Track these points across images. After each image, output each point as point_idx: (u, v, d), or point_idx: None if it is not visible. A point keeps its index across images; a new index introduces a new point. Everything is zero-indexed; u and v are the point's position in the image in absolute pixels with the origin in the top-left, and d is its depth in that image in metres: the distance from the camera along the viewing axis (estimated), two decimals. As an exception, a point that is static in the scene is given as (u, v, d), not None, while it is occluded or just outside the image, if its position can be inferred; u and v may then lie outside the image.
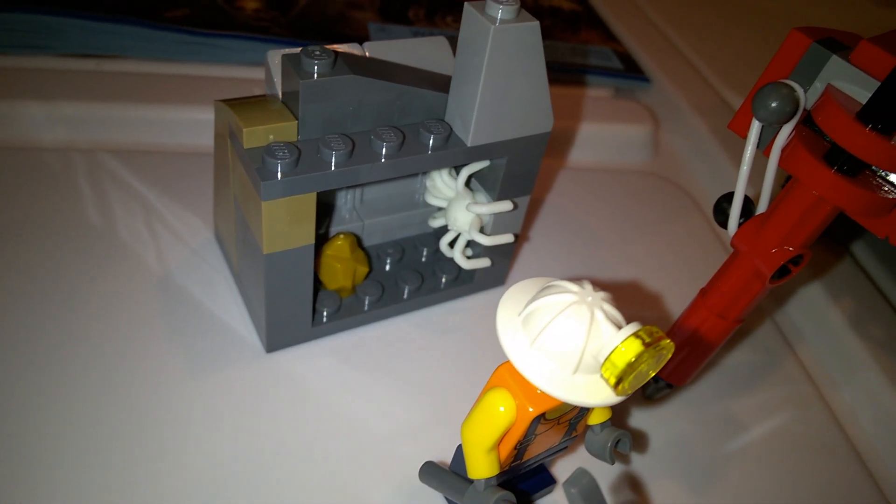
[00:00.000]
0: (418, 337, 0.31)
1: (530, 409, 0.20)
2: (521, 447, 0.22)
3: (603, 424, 0.24)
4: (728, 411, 0.31)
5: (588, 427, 0.24)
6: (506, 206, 0.30)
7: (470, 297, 0.34)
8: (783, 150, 0.24)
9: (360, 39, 0.49)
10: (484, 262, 0.32)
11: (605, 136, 0.46)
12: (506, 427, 0.21)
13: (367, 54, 0.28)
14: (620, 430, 0.24)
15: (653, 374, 0.19)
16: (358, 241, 0.32)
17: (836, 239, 0.41)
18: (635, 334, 0.18)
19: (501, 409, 0.21)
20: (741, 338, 0.35)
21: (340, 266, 0.30)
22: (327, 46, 0.26)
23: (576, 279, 0.20)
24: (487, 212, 0.29)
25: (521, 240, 0.37)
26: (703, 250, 0.40)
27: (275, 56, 0.26)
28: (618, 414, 0.30)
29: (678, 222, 0.42)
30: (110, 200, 0.34)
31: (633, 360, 0.18)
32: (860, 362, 0.35)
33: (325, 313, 0.30)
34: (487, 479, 0.21)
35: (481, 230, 0.31)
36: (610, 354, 0.18)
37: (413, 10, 0.54)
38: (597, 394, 0.19)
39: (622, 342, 0.18)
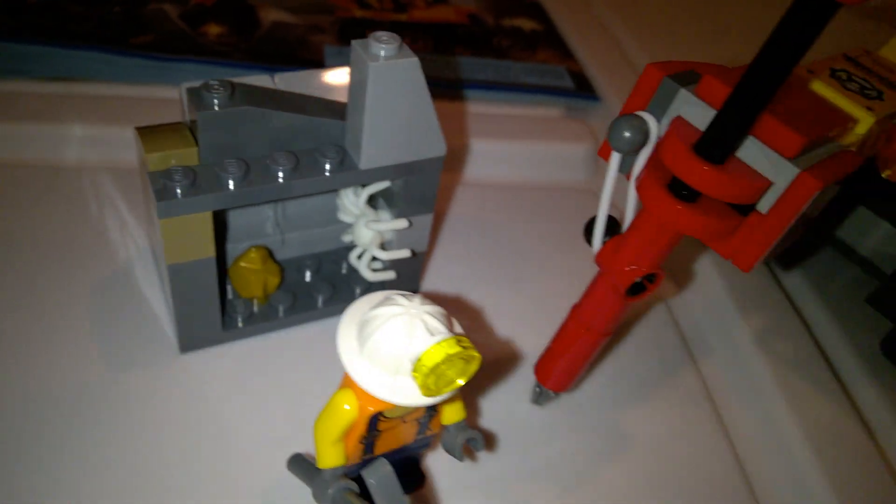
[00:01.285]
0: (328, 343, 0.34)
1: (370, 409, 0.23)
2: (366, 442, 0.24)
3: (457, 425, 0.26)
4: (616, 420, 0.33)
5: (443, 427, 0.26)
6: (401, 223, 0.32)
7: (384, 307, 0.36)
8: (637, 177, 0.26)
9: (316, 63, 0.52)
10: (388, 275, 0.34)
11: (545, 155, 0.48)
12: (348, 423, 0.23)
13: (275, 85, 0.31)
14: (473, 431, 0.26)
15: (461, 381, 0.21)
16: (271, 254, 0.34)
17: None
18: (444, 342, 0.20)
19: (346, 406, 0.23)
20: (646, 348, 0.37)
21: (252, 276, 0.33)
22: (234, 80, 0.29)
23: (413, 294, 0.23)
24: (384, 229, 0.32)
25: (440, 252, 0.40)
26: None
27: (185, 87, 0.29)
28: (507, 415, 0.32)
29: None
30: (63, 211, 0.37)
31: (437, 364, 0.20)
32: (760, 381, 0.36)
33: (239, 318, 0.33)
34: (333, 469, 0.24)
35: (383, 246, 0.33)
36: (419, 358, 0.20)
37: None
38: (413, 395, 0.21)
39: (430, 347, 0.20)
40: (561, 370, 0.30)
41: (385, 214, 0.33)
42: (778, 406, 0.35)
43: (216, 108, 0.28)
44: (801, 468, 0.33)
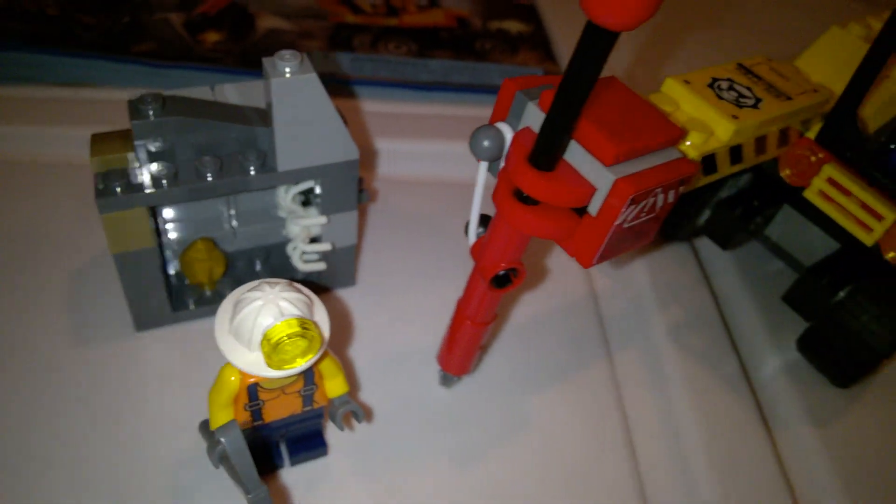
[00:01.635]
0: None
1: (248, 379, 0.27)
2: (252, 409, 0.28)
3: (340, 398, 0.30)
4: (521, 404, 0.36)
5: (329, 400, 0.30)
6: (321, 220, 0.36)
7: (322, 295, 0.40)
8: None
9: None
10: (319, 266, 0.38)
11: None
12: (233, 391, 0.27)
13: (214, 95, 0.35)
14: (354, 404, 0.30)
15: (304, 360, 0.25)
16: (217, 245, 0.39)
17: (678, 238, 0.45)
18: (285, 322, 0.24)
19: (232, 378, 0.27)
20: (566, 338, 0.40)
21: (198, 265, 0.37)
22: (172, 92, 0.34)
23: (281, 281, 0.26)
24: (306, 224, 0.36)
25: (373, 246, 0.43)
26: (549, 259, 0.44)
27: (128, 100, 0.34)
28: (420, 397, 0.36)
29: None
30: (51, 205, 0.43)
31: (277, 340, 0.24)
32: (666, 373, 0.38)
33: (190, 302, 0.38)
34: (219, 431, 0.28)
35: (314, 240, 0.37)
36: (264, 334, 0.24)
37: (358, 38, 0.60)
38: (262, 368, 0.25)
39: (274, 326, 0.24)
40: (454, 356, 0.33)
41: (313, 212, 0.37)
42: (678, 396, 0.37)
43: (151, 118, 0.32)
44: (691, 458, 0.35)
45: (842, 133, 0.34)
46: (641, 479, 0.34)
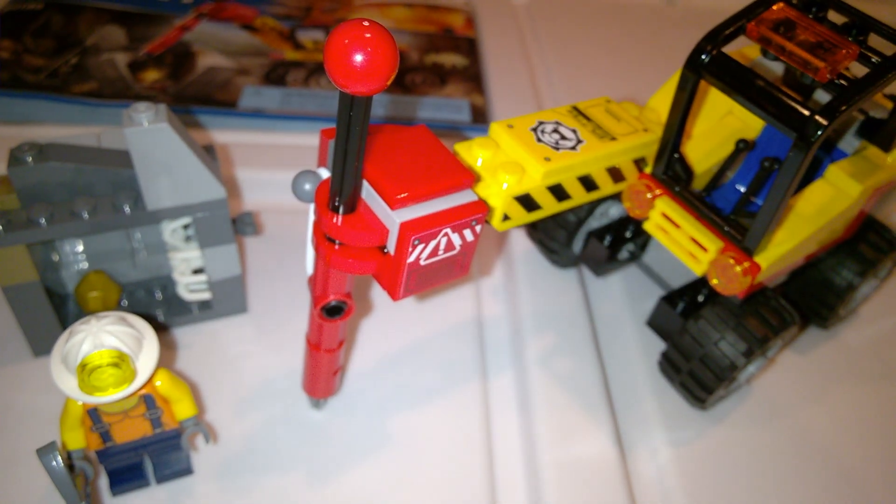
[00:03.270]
0: (164, 351, 0.41)
1: (89, 405, 0.30)
2: (99, 431, 0.31)
3: (187, 420, 0.32)
4: (390, 424, 0.39)
5: (180, 422, 0.33)
6: (193, 253, 0.39)
7: (215, 321, 0.43)
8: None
9: (232, 103, 0.60)
10: (203, 296, 0.41)
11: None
12: (76, 415, 0.30)
13: (100, 142, 0.38)
14: (200, 426, 0.32)
15: (118, 390, 0.28)
16: (112, 275, 0.42)
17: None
18: (97, 353, 0.27)
19: (78, 402, 0.30)
20: (446, 361, 0.42)
21: (90, 296, 0.40)
22: (54, 141, 0.37)
23: (112, 315, 0.29)
24: (180, 258, 0.39)
25: (269, 275, 0.46)
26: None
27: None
28: (296, 419, 0.38)
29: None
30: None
31: (92, 367, 0.27)
32: (530, 396, 0.40)
33: (85, 329, 0.41)
34: (74, 451, 0.31)
35: (199, 271, 0.41)
36: (80, 361, 0.27)
37: (293, 74, 0.63)
38: (79, 393, 0.28)
39: (90, 354, 0.27)
40: (312, 381, 0.36)
41: (194, 245, 0.40)
42: (540, 418, 0.39)
43: (28, 164, 0.35)
44: (544, 478, 0.37)
45: (670, 171, 0.36)
46: (495, 499, 0.36)
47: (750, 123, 0.39)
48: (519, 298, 0.46)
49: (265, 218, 0.50)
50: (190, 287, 0.41)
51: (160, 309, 0.42)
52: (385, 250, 0.29)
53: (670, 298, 0.40)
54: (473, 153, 0.33)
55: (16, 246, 0.36)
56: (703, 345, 0.36)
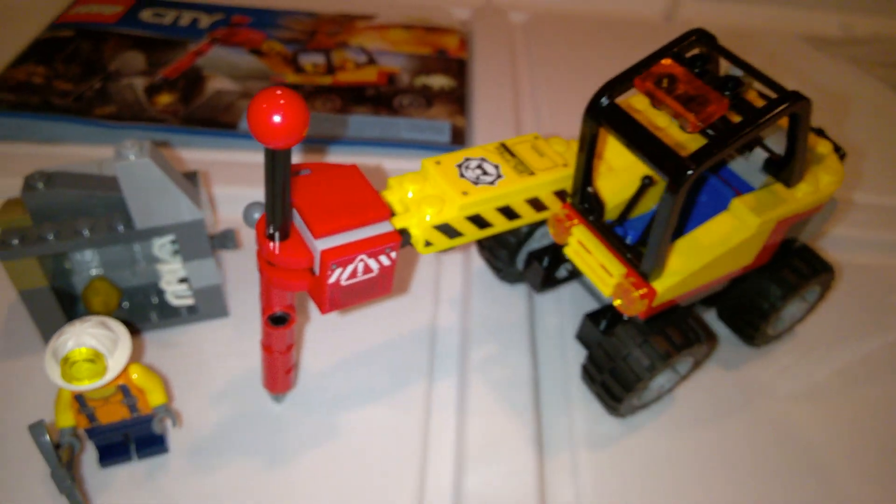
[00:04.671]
0: (152, 347, 0.48)
1: (76, 391, 0.36)
2: (87, 414, 0.37)
3: (158, 407, 0.39)
4: (338, 419, 0.44)
5: (153, 408, 0.39)
6: (175, 266, 0.45)
7: (200, 323, 0.49)
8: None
9: (233, 125, 0.66)
10: (188, 301, 0.47)
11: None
12: (67, 399, 0.36)
13: (101, 170, 0.45)
14: (169, 412, 0.39)
15: (92, 381, 0.34)
16: (113, 280, 0.48)
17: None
18: (75, 350, 0.33)
19: (65, 390, 0.36)
20: (396, 365, 0.47)
21: (94, 299, 0.47)
22: (62, 168, 0.43)
23: (95, 318, 0.36)
24: (167, 269, 0.45)
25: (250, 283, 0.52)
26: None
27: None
28: (257, 411, 0.44)
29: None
30: None
31: (72, 361, 0.33)
32: (468, 399, 0.45)
33: (89, 328, 0.48)
34: (64, 429, 0.37)
35: (182, 280, 0.47)
36: (63, 355, 0.34)
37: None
38: (62, 383, 0.34)
39: (71, 350, 0.33)
40: (268, 378, 0.42)
41: (178, 259, 0.46)
42: (473, 423, 0.44)
43: (40, 189, 0.42)
44: (468, 478, 0.42)
45: (585, 202, 0.40)
46: (422, 495, 0.41)
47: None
48: (471, 309, 0.51)
49: (249, 233, 0.56)
50: (176, 294, 0.47)
51: (154, 312, 0.49)
52: (314, 272, 0.35)
53: (595, 315, 0.44)
54: (404, 186, 0.39)
55: (29, 258, 0.42)
56: (613, 358, 0.41)
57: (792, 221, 0.41)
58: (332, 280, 0.34)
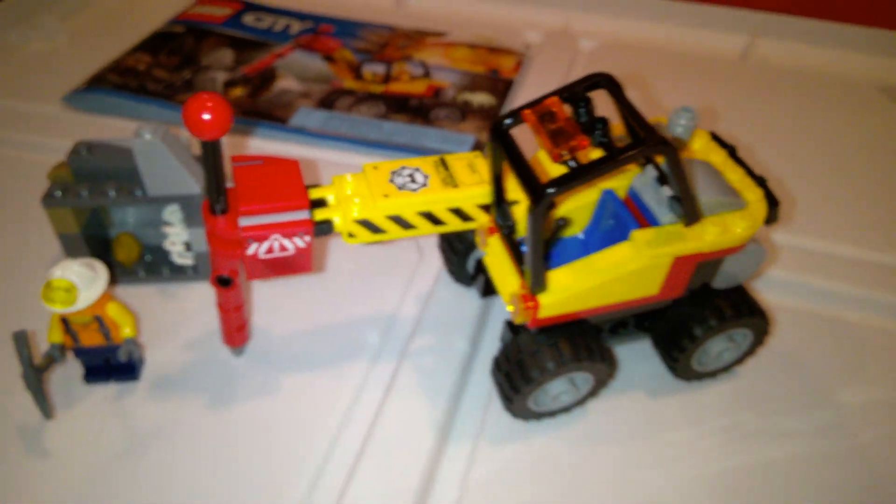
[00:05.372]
0: (159, 296, 0.57)
1: (62, 315, 0.46)
2: (70, 334, 0.47)
3: (127, 340, 0.48)
4: (282, 380, 0.51)
5: (123, 339, 0.48)
6: (178, 230, 0.54)
7: (202, 282, 0.58)
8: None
9: (284, 119, 0.75)
10: (189, 261, 0.57)
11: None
12: (56, 319, 0.46)
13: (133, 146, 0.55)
14: (135, 344, 0.47)
15: (63, 306, 0.43)
16: (137, 237, 0.58)
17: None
18: (57, 279, 0.43)
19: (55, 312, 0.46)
20: (349, 344, 0.54)
21: (119, 249, 0.57)
22: (104, 141, 0.54)
23: (87, 259, 0.45)
24: (170, 233, 0.54)
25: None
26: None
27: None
28: (222, 357, 0.52)
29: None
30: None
31: (47, 287, 0.43)
32: (396, 384, 0.51)
33: (117, 271, 0.58)
34: (52, 344, 0.47)
35: (187, 244, 0.56)
36: (47, 282, 0.43)
37: (342, 101, 0.78)
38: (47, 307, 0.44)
39: (51, 279, 0.43)
40: (224, 332, 0.50)
41: (184, 225, 0.55)
42: (390, 403, 0.50)
43: (83, 155, 0.53)
44: (365, 453, 0.48)
45: (500, 217, 0.45)
46: (326, 460, 0.47)
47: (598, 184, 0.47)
48: (432, 303, 0.56)
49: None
50: (179, 254, 0.57)
51: (166, 267, 0.58)
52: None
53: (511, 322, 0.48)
54: (344, 184, 0.45)
55: (66, 208, 0.53)
56: (510, 360, 0.45)
57: (697, 259, 0.43)
58: (250, 252, 0.41)
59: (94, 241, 0.57)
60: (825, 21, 0.93)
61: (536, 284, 0.41)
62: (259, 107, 0.76)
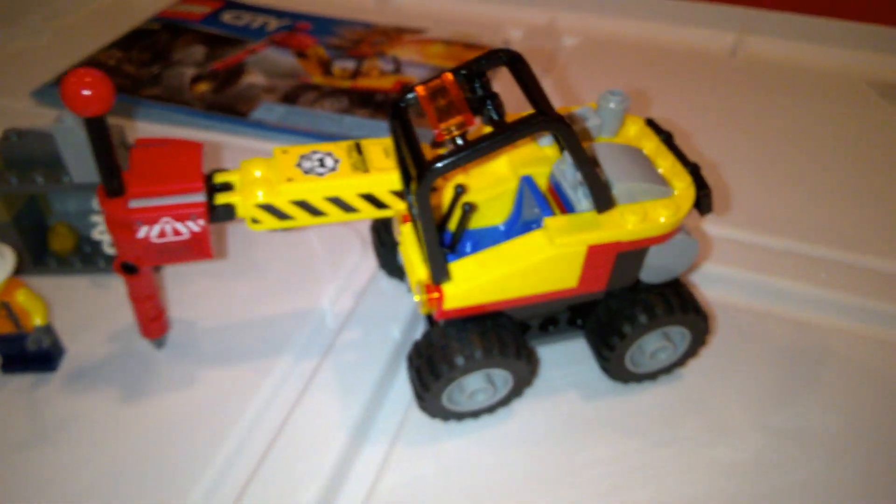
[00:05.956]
0: (90, 286, 0.56)
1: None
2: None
3: (36, 328, 0.46)
4: (196, 375, 0.50)
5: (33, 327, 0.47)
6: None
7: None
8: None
9: (244, 114, 0.74)
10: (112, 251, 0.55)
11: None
12: None
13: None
14: (47, 332, 0.46)
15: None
16: (72, 227, 0.57)
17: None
18: None
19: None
20: (278, 336, 0.52)
21: (54, 238, 0.56)
22: (36, 129, 0.53)
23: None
24: (98, 221, 0.53)
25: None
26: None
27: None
28: (145, 349, 0.51)
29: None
30: None
31: None
32: (317, 379, 0.49)
33: (52, 261, 0.57)
34: None
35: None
36: None
37: (306, 96, 0.77)
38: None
39: None
40: (140, 323, 0.48)
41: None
42: (305, 397, 0.48)
43: (13, 141, 0.52)
44: (277, 444, 0.46)
45: (409, 201, 0.42)
46: (231, 458, 0.45)
47: (516, 171, 0.44)
48: (367, 295, 0.54)
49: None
50: (109, 244, 0.55)
51: (102, 259, 0.57)
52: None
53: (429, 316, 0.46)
54: (252, 168, 0.43)
55: (-6, 195, 0.53)
56: (420, 356, 0.43)
57: (616, 250, 0.40)
58: (140, 235, 0.40)
59: (29, 229, 0.56)
60: (814, 17, 0.89)
61: (436, 273, 0.39)
62: (222, 101, 0.75)
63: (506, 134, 0.34)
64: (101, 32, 0.89)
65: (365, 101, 0.75)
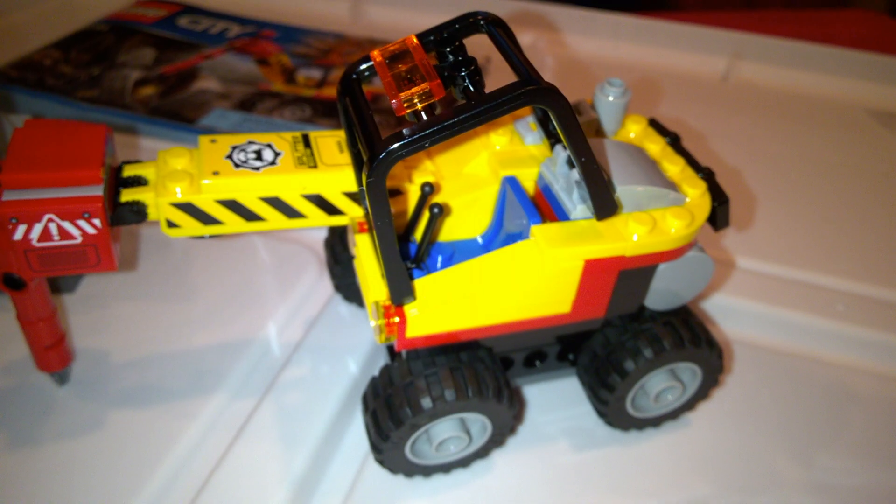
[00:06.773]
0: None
1: None
2: None
3: None
4: (106, 418, 0.41)
5: None
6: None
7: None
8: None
9: (192, 120, 0.66)
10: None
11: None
12: None
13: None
14: None
15: None
16: None
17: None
18: None
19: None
20: (207, 369, 0.43)
21: None
22: None
23: None
24: None
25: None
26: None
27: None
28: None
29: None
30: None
31: None
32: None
33: None
34: None
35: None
36: None
37: (264, 104, 0.69)
38: None
39: None
40: (33, 353, 0.39)
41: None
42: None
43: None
44: (226, 464, 0.37)
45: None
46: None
47: (496, 172, 0.37)
48: (319, 323, 0.46)
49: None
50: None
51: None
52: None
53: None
54: (171, 159, 0.35)
55: None
56: (377, 398, 0.34)
57: (619, 266, 0.33)
58: (17, 237, 0.31)
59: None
60: (813, 44, 0.85)
61: (395, 290, 0.31)
62: (167, 106, 0.68)
63: (485, 106, 0.26)
64: (44, 33, 0.81)
65: (330, 111, 0.68)
